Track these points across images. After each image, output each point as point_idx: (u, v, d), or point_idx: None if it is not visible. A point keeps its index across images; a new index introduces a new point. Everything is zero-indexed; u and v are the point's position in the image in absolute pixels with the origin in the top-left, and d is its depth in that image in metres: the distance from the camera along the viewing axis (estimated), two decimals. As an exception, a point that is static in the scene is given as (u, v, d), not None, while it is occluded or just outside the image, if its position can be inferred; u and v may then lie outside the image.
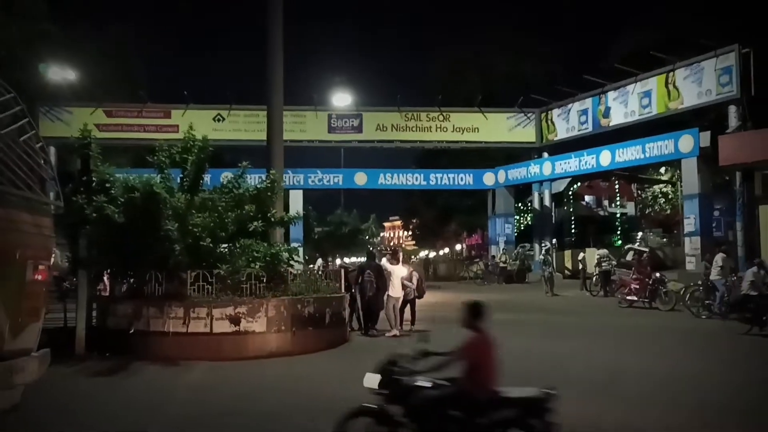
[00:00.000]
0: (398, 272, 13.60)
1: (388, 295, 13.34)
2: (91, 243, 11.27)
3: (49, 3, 27.27)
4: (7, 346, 5.00)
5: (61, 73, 29.03)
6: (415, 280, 14.17)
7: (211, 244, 10.79)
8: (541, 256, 28.65)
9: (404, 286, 13.80)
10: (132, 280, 11.45)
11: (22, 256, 5.21)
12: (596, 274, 21.96)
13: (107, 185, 11.03)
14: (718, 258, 15.98)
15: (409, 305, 14.00)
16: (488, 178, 31.47)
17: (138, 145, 28.27)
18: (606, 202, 43.83)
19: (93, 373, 9.12)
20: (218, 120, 29.29)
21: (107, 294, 12.38)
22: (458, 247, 52.27)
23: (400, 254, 14.98)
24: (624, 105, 26.14)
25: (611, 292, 20.56)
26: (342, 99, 31.87)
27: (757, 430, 6.56)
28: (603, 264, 21.55)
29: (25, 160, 5.48)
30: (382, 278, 13.44)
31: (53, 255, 6.78)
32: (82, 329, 11.12)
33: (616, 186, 38.50)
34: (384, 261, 14.11)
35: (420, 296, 14.31)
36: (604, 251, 22.25)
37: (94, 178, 11.11)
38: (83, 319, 11.28)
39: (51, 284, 8.24)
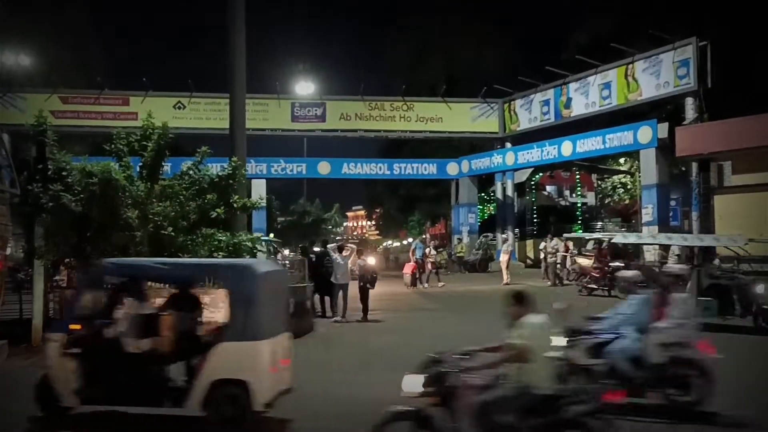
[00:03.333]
0: (342, 261, 14.48)
1: (333, 282, 14.30)
2: (47, 232, 11.01)
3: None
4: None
5: (14, 58, 28.16)
6: (356, 268, 14.77)
7: (172, 233, 10.62)
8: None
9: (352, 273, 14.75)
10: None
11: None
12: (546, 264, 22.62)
13: (64, 173, 10.74)
14: (675, 247, 16.39)
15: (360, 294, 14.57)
16: (452, 168, 31.60)
17: (95, 132, 27.62)
18: (567, 192, 44.53)
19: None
20: (179, 108, 28.74)
21: (66, 285, 12.09)
22: (422, 236, 52.49)
23: (348, 246, 15.96)
24: (585, 96, 26.47)
25: (560, 282, 21.56)
26: (305, 87, 31.61)
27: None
28: (548, 257, 22.24)
29: (-23, 145, 5.31)
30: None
31: (9, 245, 6.59)
32: (39, 321, 10.88)
33: (577, 176, 39.09)
34: (330, 250, 15.07)
35: (371, 286, 14.65)
36: (553, 242, 22.66)
37: (50, 166, 10.81)
38: (40, 311, 11.04)
39: (7, 274, 8.03)
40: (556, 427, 4.33)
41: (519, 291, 4.80)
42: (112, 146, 11.88)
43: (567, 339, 5.45)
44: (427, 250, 23.49)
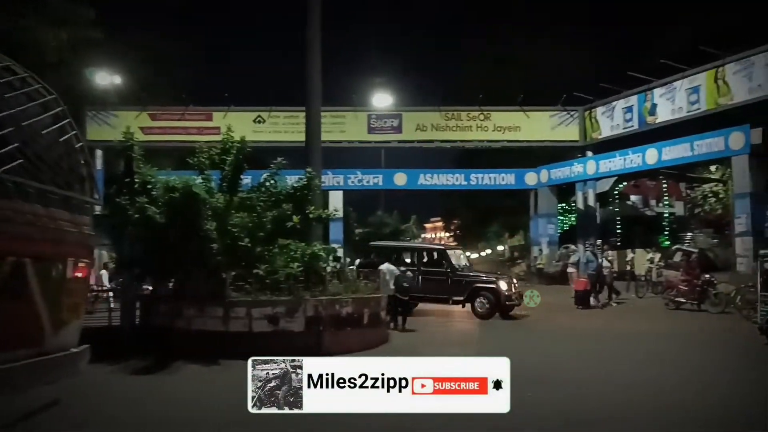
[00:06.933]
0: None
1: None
2: (134, 243, 11.46)
3: (96, 10, 27.97)
4: (49, 342, 5.08)
5: (107, 78, 29.77)
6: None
7: (249, 244, 10.85)
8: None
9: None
10: (173, 280, 11.60)
11: (62, 254, 5.28)
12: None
13: (149, 186, 11.18)
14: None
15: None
16: (530, 178, 31.03)
17: (181, 147, 28.77)
18: (653, 202, 42.79)
19: (134, 371, 9.23)
20: (259, 122, 29.57)
21: (150, 293, 12.57)
22: (500, 248, 51.72)
23: None
24: (671, 101, 25.44)
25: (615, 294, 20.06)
26: (382, 99, 31.85)
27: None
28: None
29: (65, 159, 5.57)
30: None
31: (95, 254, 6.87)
32: (126, 327, 11.34)
33: (664, 185, 37.57)
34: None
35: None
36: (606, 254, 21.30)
37: (136, 180, 11.27)
38: (127, 318, 11.51)
39: (91, 282, 8.39)
40: None
41: None
42: (195, 160, 12.30)
43: None
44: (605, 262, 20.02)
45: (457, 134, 30.61)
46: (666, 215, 37.06)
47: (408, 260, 17.48)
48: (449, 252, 17.84)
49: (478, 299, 16.27)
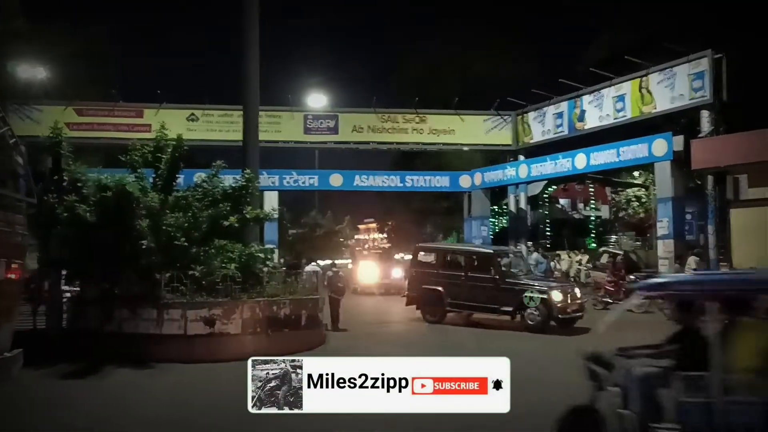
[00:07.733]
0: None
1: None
2: (62, 243, 11.04)
3: (22, 0, 26.73)
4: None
5: (31, 71, 28.46)
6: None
7: (185, 244, 10.63)
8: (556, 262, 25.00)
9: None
10: (104, 281, 11.22)
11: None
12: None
13: (79, 184, 10.81)
14: (691, 261, 16.25)
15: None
16: (464, 181, 31.48)
17: (110, 144, 27.75)
18: (581, 205, 44.22)
19: (63, 376, 8.92)
20: (192, 120, 28.88)
21: (79, 295, 12.12)
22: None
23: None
24: (599, 109, 26.30)
25: None
26: (318, 100, 31.69)
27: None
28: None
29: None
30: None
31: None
32: (53, 331, 10.92)
33: (591, 189, 38.86)
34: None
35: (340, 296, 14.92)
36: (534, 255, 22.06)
37: (65, 178, 10.89)
38: (54, 321, 11.08)
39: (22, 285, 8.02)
40: None
41: None
42: (128, 158, 11.95)
43: None
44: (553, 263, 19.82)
45: (393, 136, 30.75)
46: (592, 218, 38.39)
47: (462, 264, 15.98)
48: (498, 257, 15.91)
49: (527, 310, 14.30)
